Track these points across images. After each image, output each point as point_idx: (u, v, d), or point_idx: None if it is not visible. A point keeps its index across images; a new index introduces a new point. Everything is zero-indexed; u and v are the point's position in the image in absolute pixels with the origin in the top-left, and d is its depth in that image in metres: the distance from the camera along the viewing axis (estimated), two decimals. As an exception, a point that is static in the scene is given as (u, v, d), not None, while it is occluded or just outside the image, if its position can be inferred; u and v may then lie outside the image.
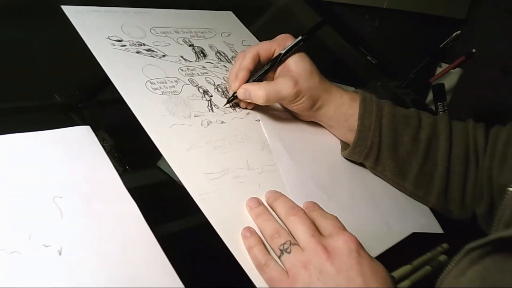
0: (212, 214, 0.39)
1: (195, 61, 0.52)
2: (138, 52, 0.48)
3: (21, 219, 0.32)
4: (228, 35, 0.60)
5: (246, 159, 0.46)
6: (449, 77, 1.06)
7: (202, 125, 0.46)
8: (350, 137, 0.53)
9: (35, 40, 0.52)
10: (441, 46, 0.88)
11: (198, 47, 0.54)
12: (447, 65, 0.94)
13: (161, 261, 0.34)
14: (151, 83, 0.46)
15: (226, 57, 0.56)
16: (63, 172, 0.36)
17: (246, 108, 0.52)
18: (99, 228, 0.34)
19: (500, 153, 0.51)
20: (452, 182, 0.53)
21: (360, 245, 0.37)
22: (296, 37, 0.52)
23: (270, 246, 0.39)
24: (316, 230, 0.39)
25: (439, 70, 1.06)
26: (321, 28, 0.52)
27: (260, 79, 0.51)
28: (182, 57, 0.52)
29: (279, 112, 0.55)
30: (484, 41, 1.13)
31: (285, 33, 0.53)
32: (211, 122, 0.47)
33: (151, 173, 0.47)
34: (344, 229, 0.39)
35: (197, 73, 0.51)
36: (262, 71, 0.50)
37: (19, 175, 0.34)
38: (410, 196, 0.55)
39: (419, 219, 0.54)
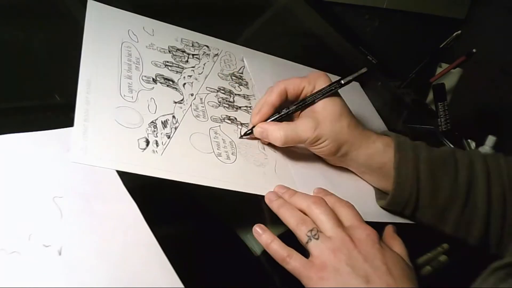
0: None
1: (182, 95, 0.49)
2: (168, 137, 0.44)
3: (21, 219, 0.32)
4: (135, 35, 0.52)
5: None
6: (449, 77, 1.06)
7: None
8: (385, 184, 0.51)
9: (35, 40, 0.52)
10: (441, 46, 0.88)
11: (158, 76, 0.50)
12: (447, 65, 0.94)
13: (161, 261, 0.34)
14: (219, 155, 0.46)
15: (174, 65, 0.53)
16: (63, 172, 0.36)
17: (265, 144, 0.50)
18: (99, 228, 0.34)
19: None
20: (492, 225, 0.50)
21: (379, 237, 0.40)
22: (331, 77, 0.49)
23: (296, 234, 0.40)
24: (339, 220, 0.41)
25: (439, 70, 1.06)
26: (362, 76, 0.48)
27: (281, 120, 0.49)
28: (175, 102, 0.48)
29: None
30: (484, 41, 1.13)
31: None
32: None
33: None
34: (363, 221, 0.41)
35: (202, 107, 0.50)
36: (285, 111, 0.48)
37: (19, 175, 0.34)
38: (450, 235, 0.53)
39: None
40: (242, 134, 0.49)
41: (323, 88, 0.47)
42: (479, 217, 0.49)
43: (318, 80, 0.48)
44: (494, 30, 1.27)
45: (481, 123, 1.30)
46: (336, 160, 0.50)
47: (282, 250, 0.40)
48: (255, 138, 0.49)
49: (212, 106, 0.51)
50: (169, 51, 0.54)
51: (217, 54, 0.58)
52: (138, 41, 0.52)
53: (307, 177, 0.49)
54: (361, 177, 0.53)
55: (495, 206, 0.50)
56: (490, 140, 0.97)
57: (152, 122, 0.44)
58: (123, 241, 0.34)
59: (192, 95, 0.50)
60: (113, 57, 0.47)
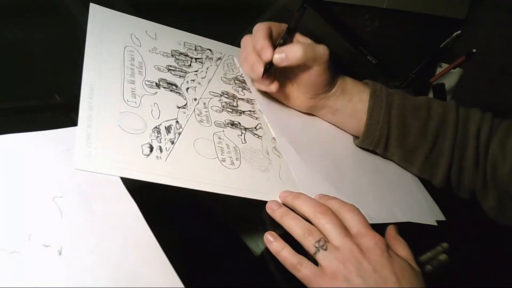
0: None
1: (185, 100, 0.50)
2: (172, 142, 0.44)
3: (21, 219, 0.32)
4: (137, 39, 0.53)
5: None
6: (449, 77, 1.05)
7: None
8: (356, 128, 0.56)
9: (35, 40, 0.52)
10: (441, 46, 0.88)
11: (161, 80, 0.50)
12: (447, 65, 0.94)
13: (161, 261, 0.34)
14: (223, 160, 0.46)
15: (177, 69, 0.53)
16: (63, 172, 0.36)
17: (259, 89, 0.54)
18: (99, 228, 0.34)
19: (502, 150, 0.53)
20: (453, 171, 0.56)
21: (387, 245, 0.40)
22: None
23: (303, 244, 0.40)
24: (346, 228, 0.40)
25: (439, 70, 1.06)
26: None
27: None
28: (178, 107, 0.48)
29: (283, 109, 0.56)
30: (484, 41, 1.13)
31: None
32: (278, 154, 0.51)
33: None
34: (369, 227, 0.41)
35: (205, 112, 0.50)
36: (282, 36, 0.51)
37: (19, 175, 0.34)
38: (417, 176, 0.59)
39: (423, 209, 0.56)
40: (263, 72, 0.50)
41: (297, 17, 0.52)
42: (443, 161, 0.55)
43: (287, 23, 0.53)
44: (494, 30, 1.27)
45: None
46: (318, 101, 0.55)
47: (293, 258, 0.39)
48: (271, 71, 0.51)
49: (216, 111, 0.51)
50: (172, 55, 0.54)
51: (220, 58, 0.59)
52: (141, 45, 0.52)
53: (311, 182, 0.49)
54: (333, 124, 0.58)
55: (458, 154, 0.55)
56: (490, 140, 0.97)
57: (155, 127, 0.44)
58: (123, 241, 0.34)
59: (195, 99, 0.50)
60: (116, 61, 0.47)
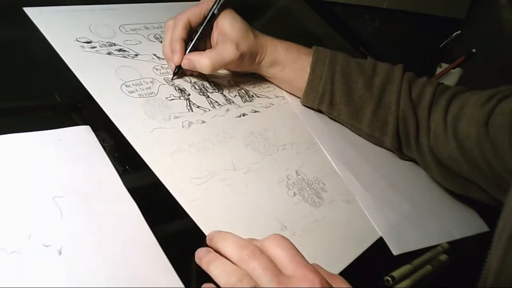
0: (202, 220, 0.39)
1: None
2: (109, 53, 0.46)
3: (21, 219, 0.32)
4: None
5: (231, 159, 0.45)
6: (449, 77, 1.06)
7: (183, 127, 0.45)
8: (290, 89, 0.57)
9: (35, 40, 0.52)
10: (441, 46, 0.88)
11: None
12: (447, 65, 0.94)
13: (161, 261, 0.34)
14: (126, 86, 0.45)
15: None
16: (63, 172, 0.36)
17: (192, 75, 0.52)
18: (99, 228, 0.34)
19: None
20: (401, 128, 0.56)
21: (323, 279, 0.33)
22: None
23: None
24: (277, 270, 0.33)
25: (439, 70, 1.06)
26: None
27: (196, 46, 0.50)
28: (155, 55, 0.50)
29: (336, 135, 0.57)
30: (484, 41, 1.13)
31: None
32: (191, 123, 0.46)
33: (151, 173, 0.47)
34: (301, 261, 0.34)
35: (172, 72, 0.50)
36: (196, 36, 0.50)
37: (19, 175, 0.34)
38: (368, 139, 0.58)
39: (472, 222, 0.57)
40: (173, 74, 0.50)
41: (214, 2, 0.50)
42: (391, 117, 0.55)
43: (207, 1, 0.51)
44: (494, 30, 1.27)
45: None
46: (250, 70, 0.55)
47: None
48: (184, 73, 0.51)
49: (182, 79, 0.51)
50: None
51: (254, 76, 0.59)
52: None
53: (375, 207, 0.50)
54: (275, 84, 0.58)
55: (406, 111, 0.55)
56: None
57: (113, 43, 0.47)
58: (123, 241, 0.34)
59: None
60: (157, 18, 0.53)
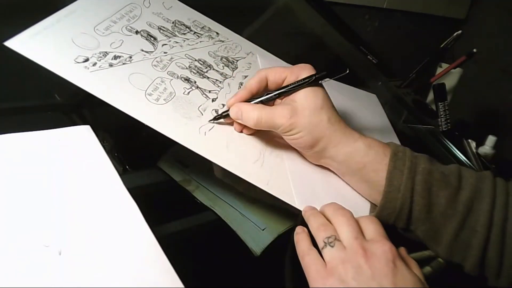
0: (286, 195, 0.43)
1: (154, 49, 0.51)
2: (111, 65, 0.45)
3: (21, 219, 0.32)
4: (149, 2, 0.56)
5: (262, 132, 0.48)
6: (450, 77, 1.06)
7: (213, 116, 0.47)
8: (368, 192, 0.47)
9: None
10: (441, 46, 0.88)
11: (143, 31, 0.52)
12: (448, 65, 0.94)
13: (161, 261, 0.34)
14: (149, 95, 0.45)
15: (169, 31, 0.54)
16: (63, 172, 0.36)
17: (241, 132, 0.48)
18: (99, 228, 0.34)
19: None
20: (490, 252, 0.45)
21: (398, 256, 0.38)
22: (316, 69, 0.46)
23: (315, 238, 0.40)
24: (360, 232, 0.40)
25: (439, 70, 1.06)
26: (342, 75, 0.46)
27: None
28: (142, 50, 0.50)
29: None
30: (484, 41, 1.13)
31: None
32: (217, 109, 0.48)
33: (151, 173, 0.47)
34: (386, 237, 0.40)
35: (167, 62, 0.50)
36: (262, 97, 0.47)
37: (19, 175, 0.34)
38: (446, 263, 0.48)
39: None
40: (216, 115, 0.47)
41: (304, 78, 0.45)
42: (476, 241, 0.44)
43: (302, 71, 0.46)
44: (494, 30, 1.27)
45: (481, 123, 1.30)
46: (314, 156, 0.48)
47: (305, 247, 0.40)
48: (228, 122, 0.48)
49: (179, 67, 0.50)
50: (173, 23, 0.55)
51: (222, 41, 0.59)
52: (148, 7, 0.55)
53: (306, 190, 0.47)
54: (345, 182, 0.49)
55: (496, 233, 0.44)
56: (490, 140, 0.97)
57: (105, 51, 0.46)
58: (123, 241, 0.34)
59: (165, 53, 0.51)
60: (113, 7, 0.51)
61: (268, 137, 0.48)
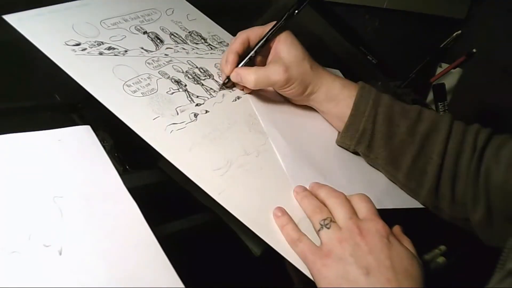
0: (236, 209, 0.41)
1: (156, 49, 0.52)
2: (101, 54, 0.46)
3: (21, 219, 0.32)
4: (172, 11, 0.58)
5: (241, 145, 0.47)
6: (449, 77, 1.06)
7: (191, 119, 0.46)
8: (341, 125, 0.54)
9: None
10: (441, 46, 0.88)
11: (152, 33, 0.53)
12: (447, 65, 0.94)
13: (161, 261, 0.34)
14: (127, 86, 0.45)
15: (180, 38, 0.55)
16: (63, 172, 0.36)
17: (242, 90, 0.53)
18: (99, 228, 0.34)
19: (507, 159, 0.49)
20: (443, 179, 0.52)
21: (390, 233, 0.41)
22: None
23: (311, 221, 0.42)
24: (354, 212, 0.42)
25: (439, 70, 1.07)
26: (302, 4, 0.54)
27: (250, 63, 0.52)
28: (142, 48, 0.50)
29: (271, 95, 0.56)
30: (484, 41, 1.13)
31: (286, 31, 0.54)
32: (197, 114, 0.47)
33: (151, 173, 0.47)
34: (377, 215, 0.42)
35: (163, 63, 0.51)
36: (250, 53, 0.52)
37: (19, 175, 0.34)
38: (402, 189, 0.55)
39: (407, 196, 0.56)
40: (221, 83, 0.52)
41: (277, 23, 0.52)
42: (431, 168, 0.51)
43: (272, 24, 0.52)
44: (494, 30, 1.27)
45: (481, 123, 1.30)
46: (301, 100, 0.55)
47: (295, 233, 0.41)
48: (233, 85, 0.53)
49: (175, 69, 0.50)
50: (189, 32, 0.56)
51: None
52: (170, 15, 0.56)
53: (299, 170, 0.49)
54: (323, 117, 0.57)
55: (449, 162, 0.51)
56: (490, 140, 0.97)
57: (101, 42, 0.47)
58: (123, 241, 0.34)
59: (166, 55, 0.51)
60: (134, 6, 0.53)
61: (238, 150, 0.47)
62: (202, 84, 0.51)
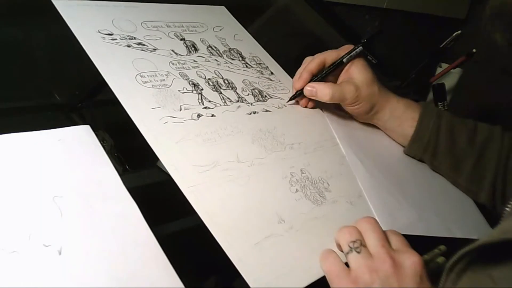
0: (200, 206, 0.39)
1: (186, 55, 0.53)
2: (128, 46, 0.48)
3: (21, 219, 0.32)
4: (220, 29, 0.60)
5: (236, 152, 0.46)
6: (449, 77, 1.05)
7: (192, 118, 0.46)
8: (403, 140, 0.59)
9: (35, 40, 0.52)
10: (441, 46, 0.88)
11: (190, 41, 0.55)
12: (447, 65, 0.94)
13: (161, 261, 0.34)
14: (141, 76, 0.46)
15: (217, 51, 0.56)
16: (63, 172, 0.36)
17: (306, 107, 0.57)
18: (99, 228, 0.34)
19: None
20: (498, 182, 0.57)
21: (424, 269, 0.38)
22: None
23: (339, 242, 0.40)
24: (387, 240, 0.39)
25: (439, 70, 1.06)
26: (378, 36, 0.60)
27: (321, 81, 0.56)
28: (173, 51, 0.51)
29: (349, 122, 0.59)
30: (484, 41, 1.13)
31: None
32: (201, 115, 0.47)
33: (151, 173, 0.47)
34: (411, 248, 0.40)
35: (188, 67, 0.51)
36: (324, 72, 0.56)
37: (19, 175, 0.34)
38: (464, 192, 0.60)
39: (475, 224, 0.57)
40: (290, 97, 0.56)
41: (350, 50, 0.56)
42: (489, 172, 0.57)
43: (346, 49, 0.57)
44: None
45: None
46: (366, 118, 0.59)
47: (327, 249, 0.40)
48: (301, 99, 0.57)
49: (197, 74, 0.51)
50: (229, 49, 0.57)
51: (270, 80, 0.58)
52: (217, 31, 0.58)
53: (379, 196, 0.50)
54: (386, 133, 0.62)
55: (502, 168, 0.57)
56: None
57: (133, 37, 0.49)
58: (123, 241, 0.34)
59: (195, 61, 0.52)
60: (183, 17, 0.56)
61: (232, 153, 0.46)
62: (220, 93, 0.51)
